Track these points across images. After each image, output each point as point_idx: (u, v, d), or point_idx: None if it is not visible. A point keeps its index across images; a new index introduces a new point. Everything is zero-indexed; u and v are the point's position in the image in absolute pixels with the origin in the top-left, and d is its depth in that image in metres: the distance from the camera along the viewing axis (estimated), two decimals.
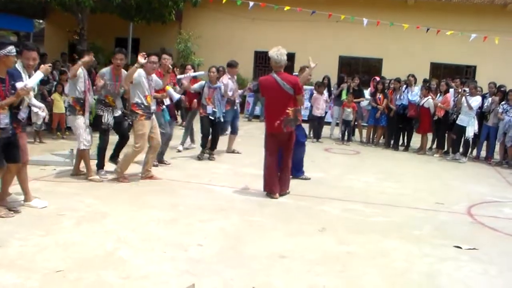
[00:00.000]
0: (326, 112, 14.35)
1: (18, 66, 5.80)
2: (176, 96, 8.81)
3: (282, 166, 7.25)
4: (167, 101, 8.79)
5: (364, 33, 17.74)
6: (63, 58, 15.27)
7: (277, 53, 6.94)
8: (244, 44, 19.69)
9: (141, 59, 7.22)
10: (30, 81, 5.58)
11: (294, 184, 7.79)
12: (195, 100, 10.19)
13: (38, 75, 5.74)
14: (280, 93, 6.91)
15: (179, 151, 10.42)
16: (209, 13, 19.63)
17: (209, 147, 9.85)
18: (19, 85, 5.37)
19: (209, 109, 9.55)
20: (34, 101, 6.13)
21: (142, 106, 7.37)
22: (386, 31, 17.02)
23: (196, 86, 9.88)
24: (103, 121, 7.58)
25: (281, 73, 6.99)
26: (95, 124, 7.96)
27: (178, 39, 19.72)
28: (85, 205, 6.15)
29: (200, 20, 20.12)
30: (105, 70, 7.74)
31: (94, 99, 8.12)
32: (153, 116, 7.66)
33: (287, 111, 6.90)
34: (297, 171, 8.32)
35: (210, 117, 9.56)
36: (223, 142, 10.51)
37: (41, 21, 25.43)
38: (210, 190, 7.44)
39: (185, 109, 11.45)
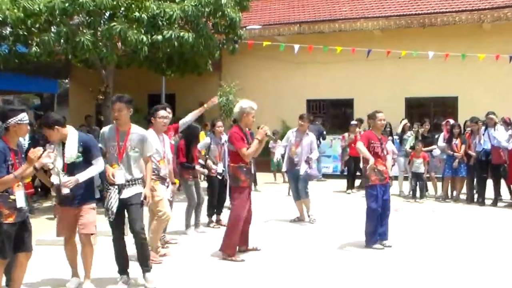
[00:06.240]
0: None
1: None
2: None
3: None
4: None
5: (432, 69, 15.77)
6: (88, 122, 13.98)
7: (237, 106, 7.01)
8: (293, 93, 17.80)
9: None
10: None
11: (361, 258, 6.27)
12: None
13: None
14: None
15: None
16: (251, 60, 17.95)
17: (215, 212, 9.00)
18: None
19: (220, 167, 8.90)
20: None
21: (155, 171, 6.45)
22: (458, 63, 14.97)
23: (201, 144, 8.99)
24: None
25: (234, 126, 7.07)
26: None
27: (219, 91, 17.68)
28: None
29: (241, 69, 18.35)
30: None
31: None
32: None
33: (230, 164, 7.00)
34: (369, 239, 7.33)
35: (219, 176, 8.90)
36: None
37: (66, 80, 24.33)
38: None
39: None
